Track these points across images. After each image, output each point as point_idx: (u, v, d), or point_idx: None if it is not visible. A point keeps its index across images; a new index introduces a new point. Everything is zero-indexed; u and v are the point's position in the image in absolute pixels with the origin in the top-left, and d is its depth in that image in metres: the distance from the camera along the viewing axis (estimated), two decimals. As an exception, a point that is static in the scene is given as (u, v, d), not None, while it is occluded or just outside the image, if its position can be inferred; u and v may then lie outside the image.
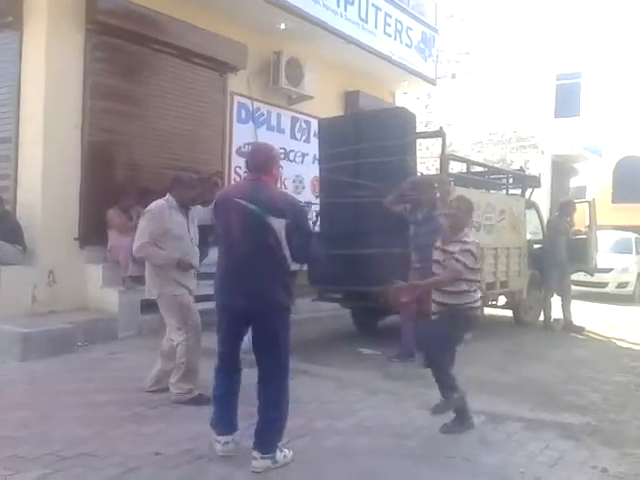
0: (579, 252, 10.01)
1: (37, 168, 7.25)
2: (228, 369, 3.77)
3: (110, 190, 7.79)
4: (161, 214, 4.87)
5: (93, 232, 7.60)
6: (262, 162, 3.70)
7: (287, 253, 3.57)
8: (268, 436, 3.56)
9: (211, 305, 7.92)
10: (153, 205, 4.99)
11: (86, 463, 3.49)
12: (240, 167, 9.91)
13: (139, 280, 7.38)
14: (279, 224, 3.49)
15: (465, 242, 4.33)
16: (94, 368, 5.74)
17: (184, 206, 5.02)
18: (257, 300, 3.56)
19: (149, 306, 7.36)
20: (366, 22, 10.81)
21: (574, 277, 10.31)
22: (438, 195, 6.87)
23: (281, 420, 3.60)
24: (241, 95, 9.89)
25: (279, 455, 3.57)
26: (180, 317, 4.87)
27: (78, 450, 3.66)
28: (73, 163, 7.50)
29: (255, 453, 3.52)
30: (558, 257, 9.52)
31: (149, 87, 8.46)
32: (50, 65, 7.27)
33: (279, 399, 3.60)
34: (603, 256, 11.38)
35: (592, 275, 11.06)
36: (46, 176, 7.23)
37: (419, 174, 8.33)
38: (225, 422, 3.73)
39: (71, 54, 7.45)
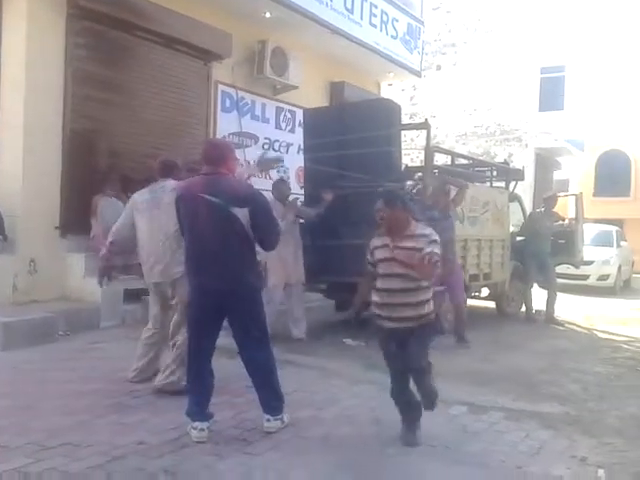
0: (566, 245, 10.12)
1: (17, 155, 7.16)
2: (201, 355, 3.92)
3: (92, 178, 7.72)
4: None
5: (75, 221, 7.52)
6: (218, 155, 3.94)
7: (252, 238, 3.89)
8: (274, 400, 3.99)
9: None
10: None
11: (69, 452, 3.47)
12: (224, 157, 9.87)
13: (122, 269, 7.34)
14: (243, 213, 3.76)
15: (425, 235, 3.97)
16: (76, 357, 5.70)
17: None
18: (230, 284, 3.80)
19: (132, 296, 7.35)
20: (352, 12, 10.77)
21: (557, 269, 10.40)
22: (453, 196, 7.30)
23: (278, 382, 4.02)
24: (225, 84, 9.83)
25: (285, 416, 4.02)
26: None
27: (60, 439, 3.63)
28: (54, 151, 7.41)
29: (267, 416, 3.95)
30: (537, 248, 9.62)
31: (132, 75, 8.37)
32: (30, 50, 7.16)
33: (270, 365, 4.00)
34: (585, 249, 11.51)
35: (578, 267, 11.22)
36: (27, 164, 7.14)
37: (403, 166, 8.33)
38: (200, 409, 3.85)
39: (52, 39, 7.33)
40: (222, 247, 3.76)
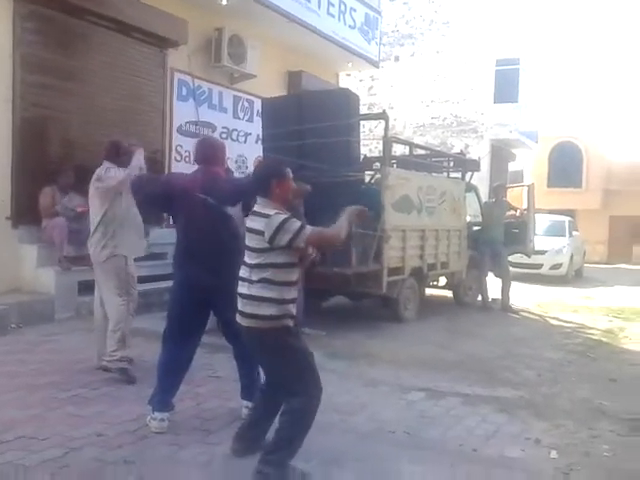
0: (518, 235, 10.34)
1: (-35, 144, 6.92)
2: (177, 345, 3.91)
3: (44, 167, 7.51)
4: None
5: (26, 211, 7.30)
6: (212, 155, 4.04)
7: (242, 236, 3.97)
8: (255, 387, 3.94)
9: (153, 286, 7.82)
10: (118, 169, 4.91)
11: (25, 446, 3.40)
12: (181, 146, 9.74)
13: (75, 260, 7.21)
14: (236, 209, 3.94)
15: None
16: (29, 350, 5.56)
17: None
18: (219, 278, 3.78)
19: (87, 287, 7.19)
20: (309, 1, 10.69)
21: (510, 259, 10.62)
22: None
23: (258, 371, 3.94)
24: (181, 72, 9.67)
25: None
26: (125, 282, 4.88)
27: (15, 433, 3.56)
28: (4, 139, 7.17)
29: (246, 403, 3.97)
30: (489, 237, 9.82)
31: (85, 61, 8.16)
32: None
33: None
34: (538, 239, 11.79)
35: (529, 257, 11.46)
36: (-25, 152, 6.91)
37: (362, 156, 8.36)
38: (164, 399, 3.83)
39: (-1, 23, 7.09)
40: (213, 243, 3.83)
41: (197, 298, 3.89)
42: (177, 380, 3.93)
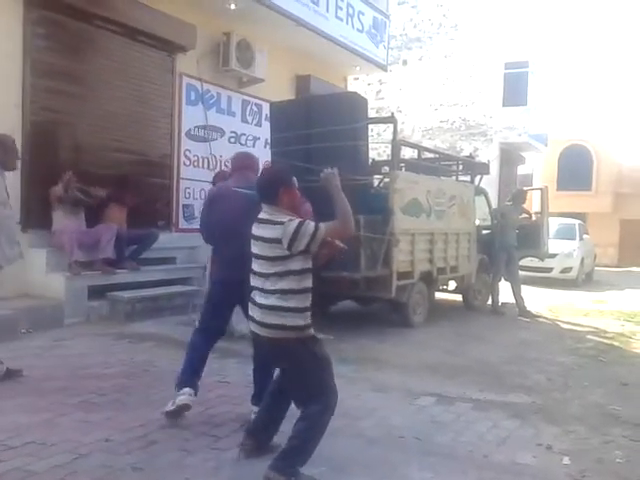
0: (532, 238, 10.29)
1: (-24, 148, 6.93)
2: (210, 336, 4.21)
3: (53, 172, 7.51)
4: None
5: (36, 215, 7.33)
6: (249, 163, 4.41)
7: None
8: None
9: (162, 291, 7.83)
10: None
11: (34, 452, 3.39)
12: (190, 150, 9.76)
13: (85, 265, 7.24)
14: None
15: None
16: (39, 355, 5.57)
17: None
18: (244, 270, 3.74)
19: (96, 292, 7.23)
20: (317, 5, 10.70)
21: (521, 262, 10.57)
22: None
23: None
24: (190, 76, 9.70)
25: None
26: None
27: (24, 439, 3.55)
28: (14, 144, 7.20)
29: (256, 409, 3.85)
30: (506, 242, 9.75)
31: (94, 66, 8.19)
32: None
33: None
34: (548, 242, 11.73)
35: (543, 260, 11.42)
36: (-15, 157, 6.92)
37: (370, 160, 8.34)
38: (192, 377, 4.04)
39: (9, 29, 7.09)
40: (241, 234, 3.73)
41: (232, 291, 4.01)
42: (200, 361, 4.12)
